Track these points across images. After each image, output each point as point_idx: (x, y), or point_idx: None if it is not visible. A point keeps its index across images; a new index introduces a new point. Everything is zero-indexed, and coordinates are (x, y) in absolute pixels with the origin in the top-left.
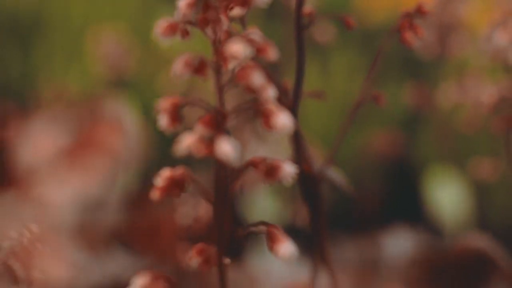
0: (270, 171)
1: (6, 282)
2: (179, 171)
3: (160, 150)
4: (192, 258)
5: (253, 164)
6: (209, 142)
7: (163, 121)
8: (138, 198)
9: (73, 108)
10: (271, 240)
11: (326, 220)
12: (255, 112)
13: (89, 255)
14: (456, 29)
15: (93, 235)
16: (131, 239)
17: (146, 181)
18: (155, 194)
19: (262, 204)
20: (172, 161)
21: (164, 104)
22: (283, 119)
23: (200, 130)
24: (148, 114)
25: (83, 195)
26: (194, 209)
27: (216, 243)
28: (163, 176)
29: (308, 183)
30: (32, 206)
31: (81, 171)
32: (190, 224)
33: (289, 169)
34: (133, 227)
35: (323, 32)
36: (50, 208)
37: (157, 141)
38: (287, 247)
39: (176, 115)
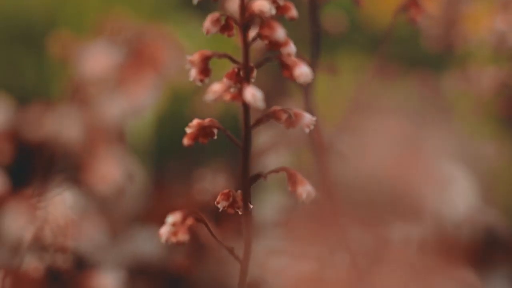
0: (292, 119)
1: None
2: (207, 119)
3: (173, 143)
4: (219, 202)
5: (275, 112)
6: (236, 91)
7: (192, 73)
8: (156, 185)
9: (125, 32)
10: (292, 183)
11: (334, 191)
12: (279, 64)
13: (110, 236)
14: (461, 22)
15: (114, 216)
16: (151, 220)
17: (161, 170)
18: (185, 141)
19: (271, 199)
20: (185, 154)
21: (193, 57)
22: (304, 69)
23: (226, 82)
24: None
25: (134, 106)
26: (212, 185)
27: (242, 187)
28: (192, 124)
29: (318, 153)
30: (88, 117)
31: (132, 85)
32: (208, 200)
33: (309, 118)
34: (152, 209)
35: (335, 23)
36: (105, 118)
37: (170, 135)
38: (306, 188)
39: (205, 67)
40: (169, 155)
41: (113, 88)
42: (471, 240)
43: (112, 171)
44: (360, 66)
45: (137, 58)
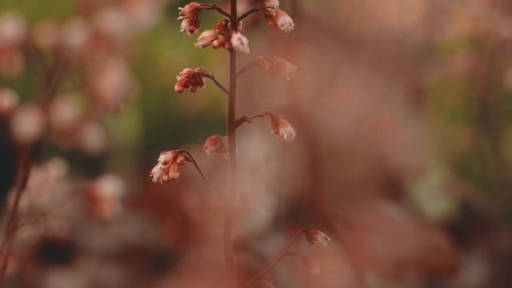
0: (274, 68)
1: None
2: (196, 68)
3: (160, 136)
4: (207, 147)
5: (259, 61)
6: (223, 38)
7: (183, 24)
8: (143, 176)
9: None
10: (274, 125)
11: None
12: (264, 15)
13: (99, 223)
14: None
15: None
16: (138, 208)
17: (149, 162)
18: (176, 87)
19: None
20: (172, 147)
21: (184, 8)
22: (286, 18)
23: (215, 31)
24: (147, 108)
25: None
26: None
27: (229, 130)
28: (182, 72)
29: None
30: (93, 29)
31: (134, 1)
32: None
33: (291, 66)
34: (140, 198)
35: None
36: (108, 30)
37: (157, 128)
38: (287, 129)
39: (195, 18)
40: (156, 147)
41: (116, 4)
42: (448, 217)
43: (113, 78)
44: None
45: None
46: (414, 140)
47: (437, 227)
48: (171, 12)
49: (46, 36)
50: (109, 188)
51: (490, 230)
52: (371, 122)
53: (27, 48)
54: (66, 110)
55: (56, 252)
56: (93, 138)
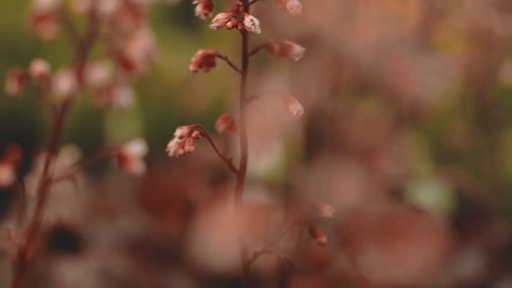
0: (283, 49)
1: None
2: (210, 49)
3: (163, 137)
4: (219, 126)
5: (269, 43)
6: (236, 20)
7: (198, 8)
8: (146, 176)
9: None
10: (284, 102)
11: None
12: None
13: (106, 217)
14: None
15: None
16: (142, 207)
17: (151, 163)
18: (191, 67)
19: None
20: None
21: None
22: (295, 2)
23: (229, 14)
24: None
25: None
26: (206, 152)
27: (240, 107)
28: (197, 53)
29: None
30: None
31: None
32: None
33: (299, 48)
34: (143, 197)
35: None
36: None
37: (160, 129)
38: (297, 107)
39: (209, 2)
40: (158, 149)
41: None
42: (443, 208)
43: (141, 44)
44: None
45: None
46: (429, 78)
47: (433, 213)
48: (171, 20)
49: (80, 4)
50: (135, 149)
51: (485, 222)
52: (388, 58)
53: (62, 16)
54: (97, 74)
55: (66, 241)
56: (122, 99)
